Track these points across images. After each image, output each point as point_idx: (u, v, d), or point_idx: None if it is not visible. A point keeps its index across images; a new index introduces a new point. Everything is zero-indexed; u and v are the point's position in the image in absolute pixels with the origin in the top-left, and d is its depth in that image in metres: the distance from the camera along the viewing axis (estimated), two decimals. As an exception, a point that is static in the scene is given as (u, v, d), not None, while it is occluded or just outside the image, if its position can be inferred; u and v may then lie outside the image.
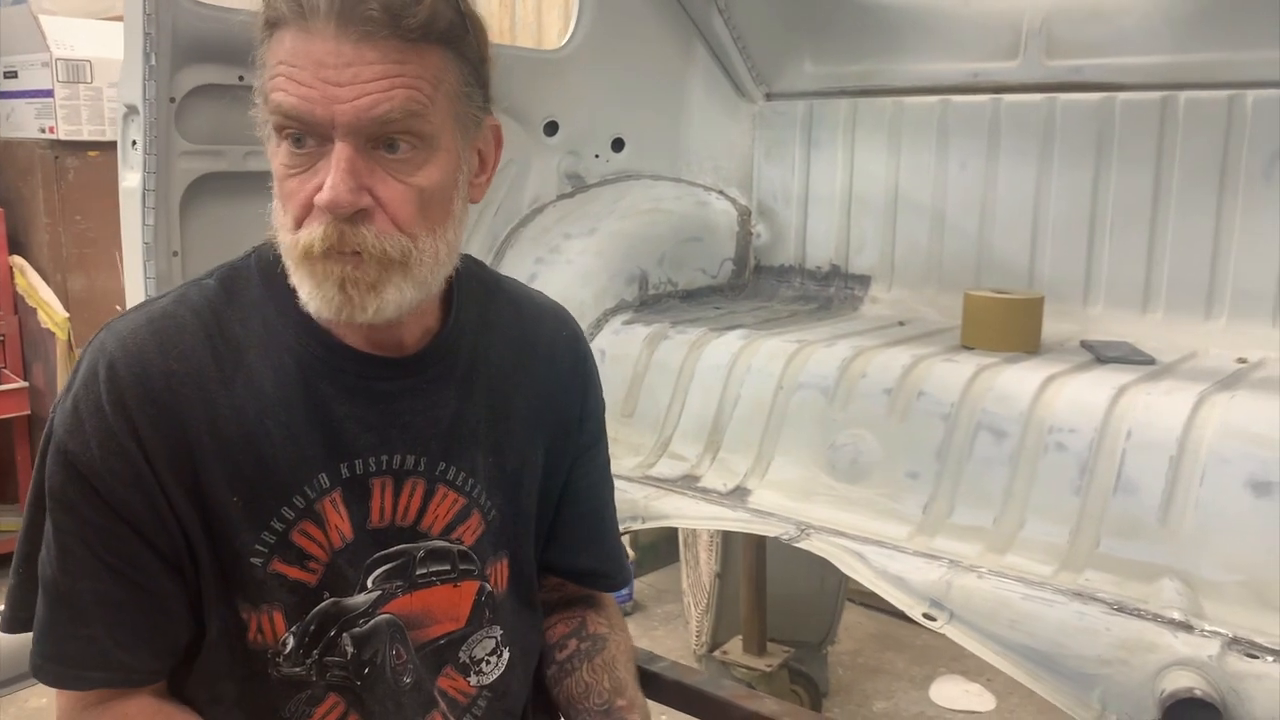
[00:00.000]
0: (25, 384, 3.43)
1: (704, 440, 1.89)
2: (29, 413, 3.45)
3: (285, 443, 1.00)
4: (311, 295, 0.95)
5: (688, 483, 1.82)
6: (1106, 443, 1.52)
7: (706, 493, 1.78)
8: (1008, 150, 2.15)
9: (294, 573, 1.01)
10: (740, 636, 2.80)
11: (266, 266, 1.05)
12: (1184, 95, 1.94)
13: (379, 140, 0.92)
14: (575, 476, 1.24)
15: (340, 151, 0.90)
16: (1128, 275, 2.04)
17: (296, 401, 1.01)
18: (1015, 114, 2.13)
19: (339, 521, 1.03)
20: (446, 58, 0.94)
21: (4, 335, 3.46)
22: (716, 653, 2.83)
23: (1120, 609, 1.35)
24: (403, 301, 0.97)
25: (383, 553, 1.06)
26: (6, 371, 3.47)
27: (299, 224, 0.94)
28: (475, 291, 1.13)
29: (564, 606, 1.29)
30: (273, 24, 0.92)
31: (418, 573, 1.08)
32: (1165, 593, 1.37)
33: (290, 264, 0.96)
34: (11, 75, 3.57)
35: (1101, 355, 1.80)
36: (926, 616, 1.41)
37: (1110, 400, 1.56)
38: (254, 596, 1.01)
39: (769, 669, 2.68)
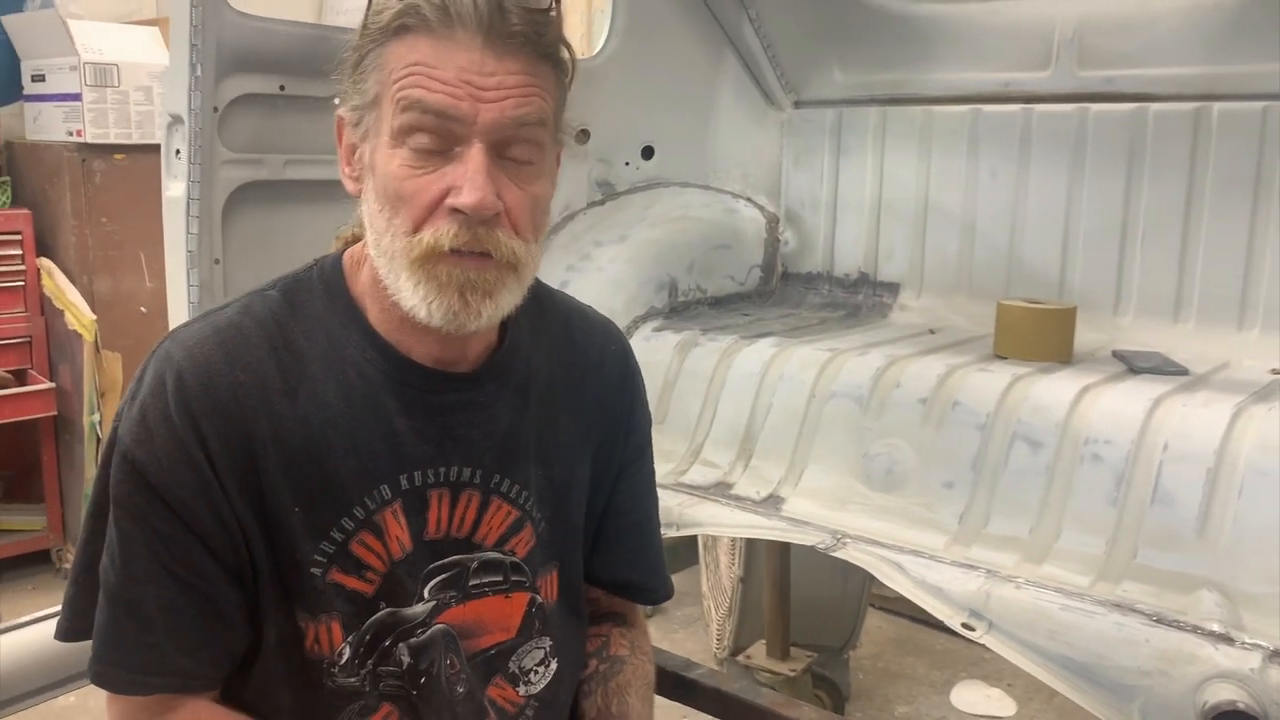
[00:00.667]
0: (52, 385, 3.45)
1: (736, 448, 1.90)
2: (55, 413, 3.47)
3: (347, 454, 1.02)
4: (427, 300, 0.96)
5: (720, 490, 1.84)
6: (1143, 454, 1.53)
7: (740, 500, 1.79)
8: (1039, 160, 2.15)
9: (352, 582, 1.03)
10: (763, 641, 2.80)
11: (329, 279, 1.07)
12: (1217, 106, 1.94)
13: (504, 146, 0.95)
14: (620, 489, 1.25)
15: (478, 154, 0.93)
16: (1159, 285, 2.04)
17: (360, 414, 1.03)
18: (1047, 124, 2.14)
19: (399, 532, 1.04)
20: (558, 77, 0.99)
21: (31, 337, 3.48)
22: (739, 657, 2.83)
23: (1159, 620, 1.36)
24: (507, 308, 1.00)
25: (438, 563, 1.07)
26: (33, 372, 3.49)
27: (419, 226, 0.95)
28: (528, 305, 1.14)
29: (593, 622, 1.30)
30: (398, 31, 0.94)
31: (471, 583, 1.09)
32: (1204, 604, 1.37)
33: (400, 267, 0.96)
34: (39, 79, 3.59)
35: (1134, 366, 1.81)
36: (966, 626, 1.42)
37: (1146, 412, 1.56)
38: (312, 606, 1.02)
39: (792, 674, 2.69)
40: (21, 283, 3.45)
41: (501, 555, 1.11)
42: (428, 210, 0.95)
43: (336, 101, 1.04)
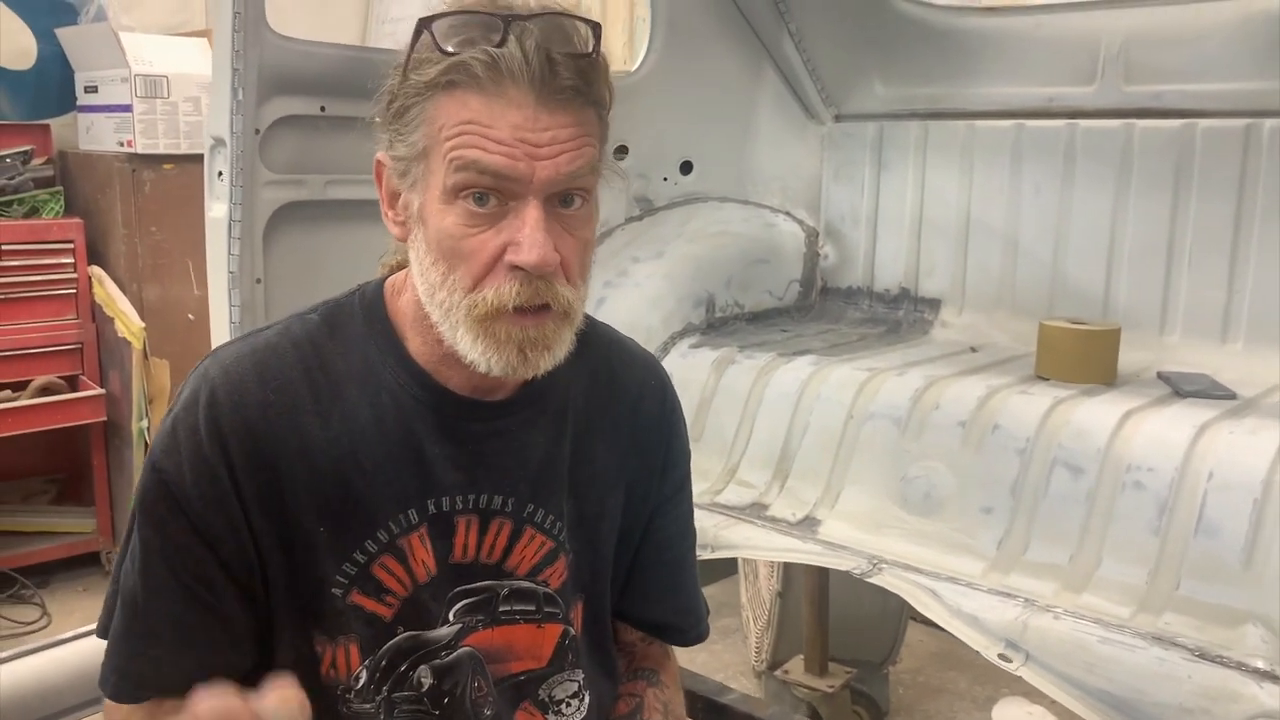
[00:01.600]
0: (102, 391, 3.51)
1: (772, 468, 1.89)
2: (105, 419, 3.53)
3: (376, 477, 1.02)
4: (486, 355, 0.96)
5: (756, 511, 1.83)
6: (1187, 483, 1.50)
7: (775, 522, 1.78)
8: (1083, 176, 2.12)
9: (370, 605, 1.03)
10: (801, 656, 2.79)
11: (369, 305, 1.08)
12: (1269, 123, 1.90)
13: (557, 197, 0.95)
14: (655, 526, 1.23)
15: (535, 210, 0.93)
16: (1207, 305, 2.00)
17: (391, 438, 1.03)
18: (1092, 140, 2.11)
19: (425, 556, 1.05)
20: (602, 118, 0.99)
21: (83, 343, 3.54)
22: (778, 672, 2.82)
23: (1202, 656, 1.33)
24: (562, 356, 1.00)
25: (466, 587, 1.07)
26: (84, 378, 3.55)
27: (478, 282, 0.95)
28: None
29: (627, 677, 1.27)
30: (446, 86, 0.93)
31: (500, 609, 1.09)
32: (1249, 639, 1.35)
33: (459, 322, 0.97)
34: (92, 90, 3.66)
35: (1180, 389, 1.77)
36: (1002, 658, 1.40)
37: (1191, 439, 1.53)
38: (331, 628, 1.03)
39: (831, 689, 2.67)
40: (73, 290, 3.51)
41: (535, 585, 1.11)
42: (486, 268, 0.95)
43: (376, 146, 1.04)
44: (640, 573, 1.23)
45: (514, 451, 1.08)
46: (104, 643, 1.06)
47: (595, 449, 1.15)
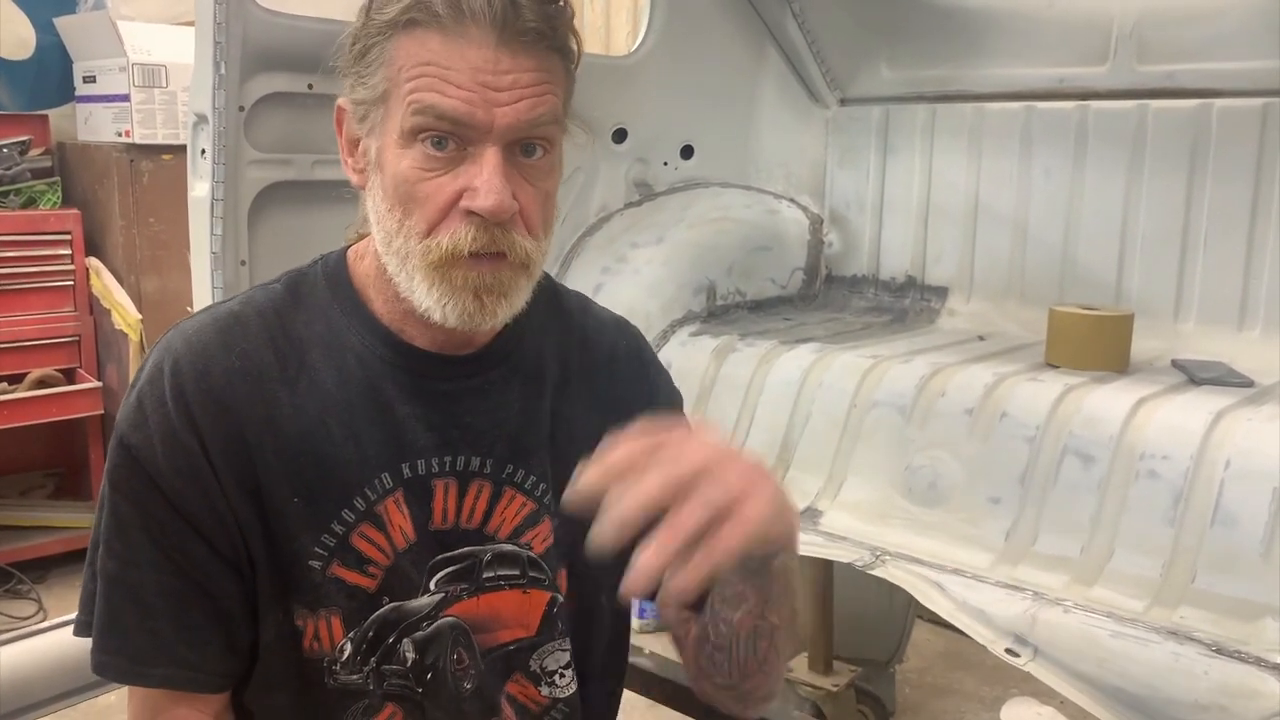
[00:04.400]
0: (99, 384, 3.48)
1: (773, 458, 1.84)
2: (102, 412, 3.50)
3: (346, 442, 1.00)
4: (441, 303, 0.95)
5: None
6: (1203, 471, 1.45)
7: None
8: (1095, 159, 2.06)
9: (353, 577, 1.00)
10: (806, 654, 2.74)
11: (331, 271, 1.06)
12: (1287, 103, 1.84)
13: (518, 145, 0.94)
14: None
15: (493, 156, 0.91)
16: (1222, 290, 1.94)
17: (358, 401, 1.01)
18: (1104, 121, 2.05)
19: (402, 522, 1.02)
20: (567, 69, 0.97)
21: (80, 336, 3.52)
22: (781, 670, 2.77)
23: (1219, 651, 1.28)
24: (519, 306, 0.99)
25: (447, 554, 1.04)
26: (81, 371, 3.53)
27: (433, 228, 0.94)
28: (540, 298, 1.10)
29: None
30: (407, 25, 0.92)
31: (484, 575, 1.06)
32: (1268, 633, 1.29)
33: (414, 269, 0.95)
34: (90, 80, 3.63)
35: (1195, 376, 1.71)
36: (1009, 653, 1.34)
37: (1207, 426, 1.48)
38: (311, 601, 1.00)
39: (835, 689, 2.61)
40: (71, 282, 3.49)
41: (518, 548, 1.07)
42: (442, 212, 0.93)
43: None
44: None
45: (489, 410, 1.06)
46: (55, 642, 1.02)
47: (575, 410, 1.12)
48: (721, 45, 2.33)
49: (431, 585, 1.03)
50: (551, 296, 1.17)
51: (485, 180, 0.91)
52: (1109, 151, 2.04)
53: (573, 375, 1.13)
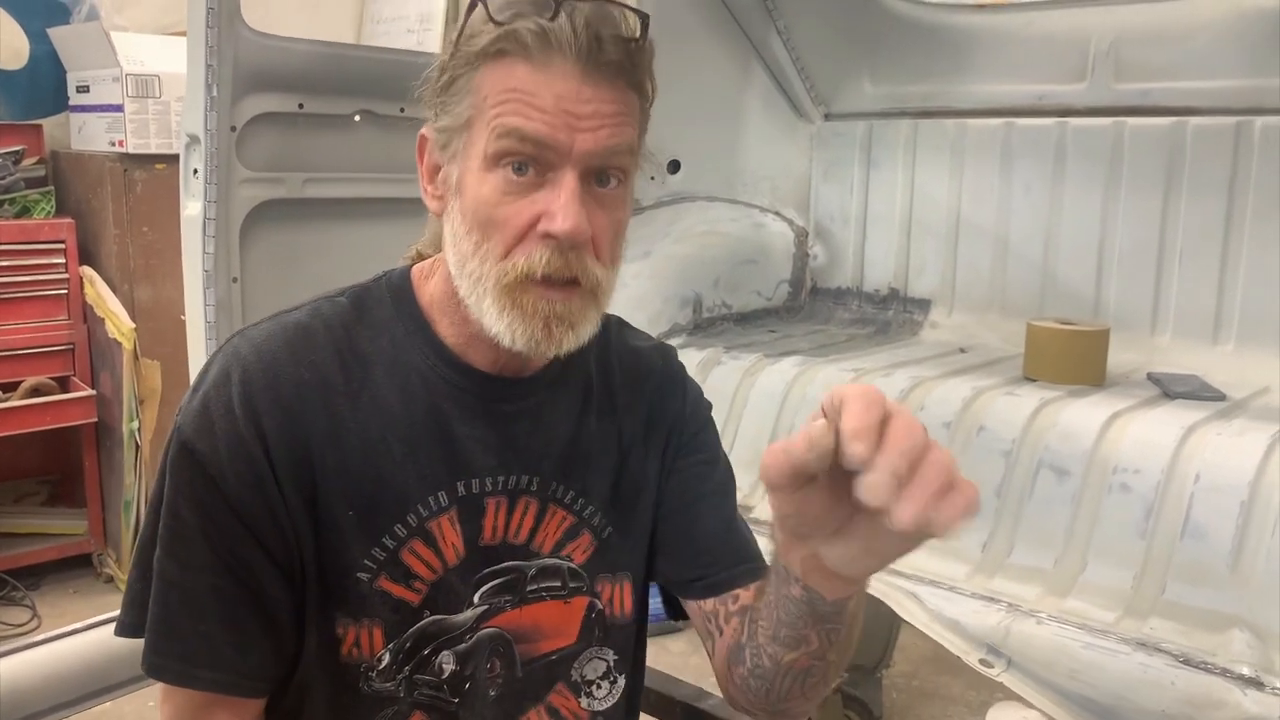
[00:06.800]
0: (93, 392, 3.49)
1: (757, 469, 1.86)
2: (96, 420, 3.51)
3: (405, 460, 1.02)
4: (511, 328, 0.97)
5: (740, 513, 1.80)
6: (1174, 485, 1.48)
7: (758, 524, 1.74)
8: (1074, 175, 2.10)
9: (398, 590, 1.02)
10: (793, 660, 2.76)
11: (396, 289, 1.08)
12: (1260, 121, 1.88)
13: (594, 173, 0.96)
14: (683, 468, 1.18)
15: (571, 181, 0.93)
16: (1197, 305, 1.98)
17: (420, 420, 1.03)
18: (1082, 138, 2.08)
19: (455, 539, 1.04)
20: (643, 106, 1.00)
21: (74, 344, 3.53)
22: (768, 675, 2.79)
23: (1186, 662, 1.31)
24: (586, 337, 1.00)
25: (493, 568, 1.06)
26: (75, 379, 3.54)
27: (509, 251, 0.96)
28: None
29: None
30: (496, 55, 0.95)
31: (529, 588, 1.08)
32: (1235, 645, 1.32)
33: (487, 291, 0.97)
34: (84, 90, 3.64)
35: (1169, 390, 1.75)
36: (983, 663, 1.38)
37: (1178, 440, 1.51)
38: (355, 611, 1.01)
39: (822, 694, 2.64)
40: (64, 291, 3.50)
41: (559, 561, 1.10)
42: (519, 236, 0.95)
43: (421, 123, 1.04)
44: (691, 528, 1.16)
45: (542, 430, 1.08)
46: (92, 641, 1.03)
47: (618, 426, 1.14)
48: (707, 62, 2.36)
49: (476, 599, 1.05)
50: (605, 317, 1.18)
51: (563, 204, 0.93)
52: (1087, 167, 2.08)
53: (615, 391, 1.16)
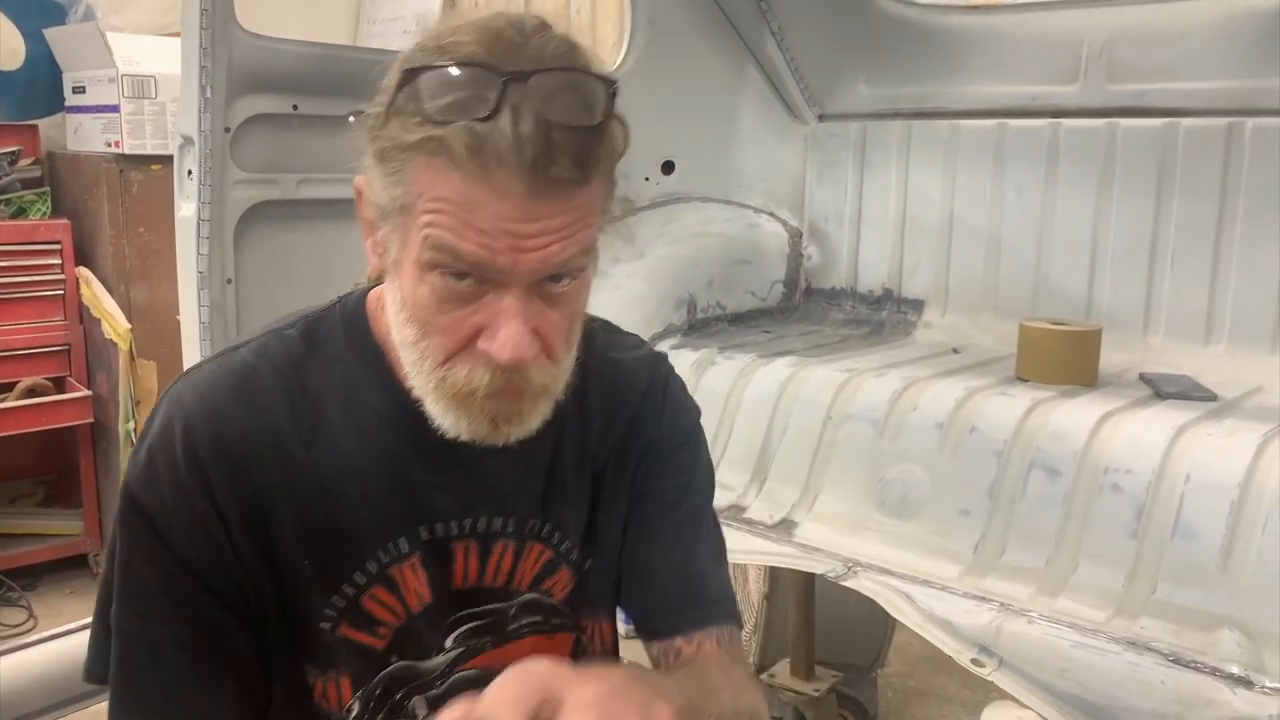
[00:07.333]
0: (89, 392, 3.50)
1: (751, 469, 1.87)
2: (92, 420, 3.52)
3: (361, 505, 0.96)
4: (455, 425, 0.91)
5: (734, 513, 1.81)
6: (1164, 485, 1.48)
7: (752, 524, 1.77)
8: (1066, 176, 2.10)
9: (362, 638, 0.98)
10: (788, 659, 2.77)
11: (350, 319, 1.01)
12: (1251, 122, 1.88)
13: (544, 282, 0.86)
14: (647, 495, 1.11)
15: (515, 304, 0.84)
16: (1190, 305, 1.98)
17: (375, 465, 0.96)
18: (1074, 139, 2.09)
19: (418, 586, 0.99)
20: (607, 179, 0.88)
21: (70, 345, 3.54)
22: (764, 675, 2.80)
23: (1176, 661, 1.32)
24: (537, 425, 0.93)
25: (469, 611, 1.01)
26: (71, 380, 3.54)
27: (449, 358, 0.88)
28: None
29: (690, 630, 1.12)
30: (428, 153, 0.82)
31: (510, 627, 1.03)
32: (1224, 644, 1.33)
33: (427, 390, 0.90)
34: (80, 90, 3.65)
35: (1161, 390, 1.75)
36: (974, 663, 1.38)
37: (1169, 441, 1.51)
38: (321, 661, 0.98)
39: (817, 694, 2.65)
40: (61, 291, 3.50)
41: (539, 595, 1.05)
42: (459, 345, 0.87)
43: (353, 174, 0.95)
44: (646, 563, 1.11)
45: (514, 469, 1.01)
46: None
47: (595, 448, 1.08)
48: (702, 63, 2.36)
49: (449, 643, 1.01)
50: (586, 336, 1.07)
51: (504, 332, 0.84)
52: (1079, 168, 2.08)
53: (590, 415, 1.08)
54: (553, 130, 0.79)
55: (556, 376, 0.91)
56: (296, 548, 0.95)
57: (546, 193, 0.80)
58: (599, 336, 1.11)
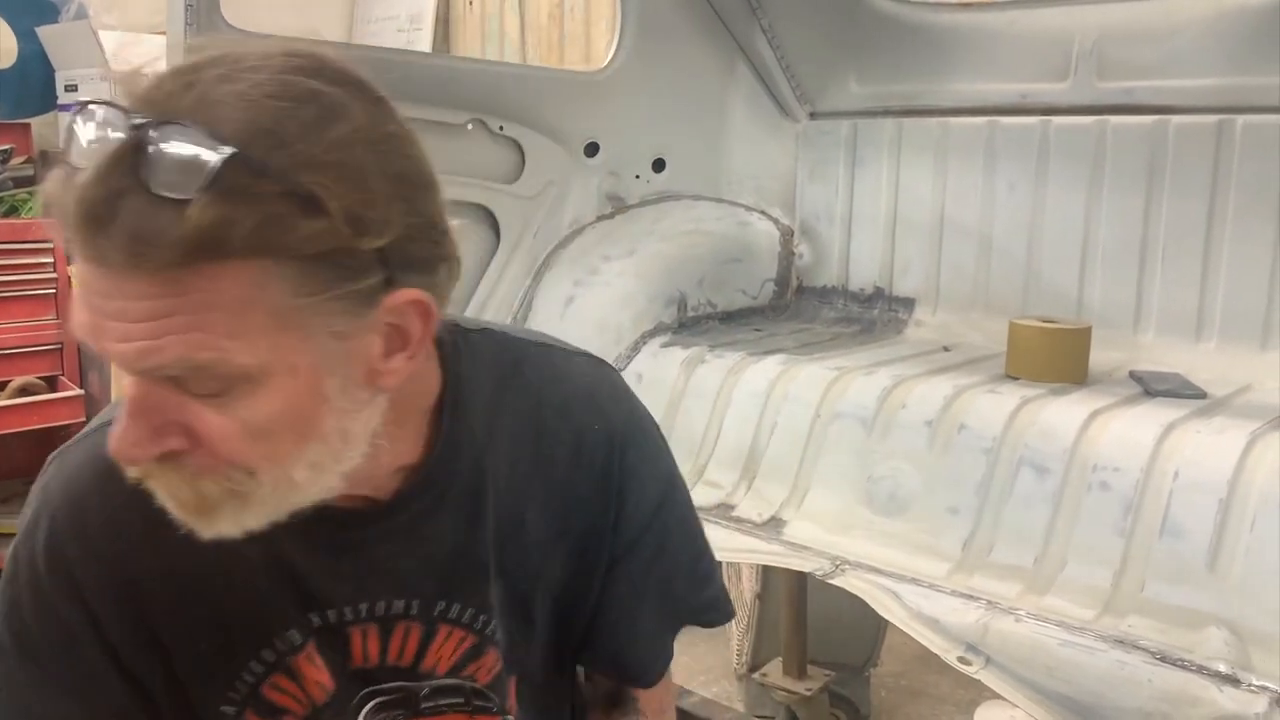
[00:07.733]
0: (81, 391, 3.50)
1: (740, 468, 1.87)
2: (84, 419, 3.51)
3: (247, 592, 0.89)
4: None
5: (722, 511, 1.81)
6: (1153, 483, 1.48)
7: (741, 523, 1.76)
8: (1057, 173, 2.10)
9: None
10: (780, 658, 2.76)
11: None
12: (1241, 119, 1.88)
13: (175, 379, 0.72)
14: (609, 582, 1.06)
15: (130, 390, 0.72)
16: (1180, 303, 1.98)
17: (255, 556, 0.86)
18: (1065, 136, 2.09)
19: (318, 675, 0.93)
20: (261, 268, 0.67)
21: (62, 344, 3.53)
22: (756, 674, 2.79)
23: (1164, 659, 1.31)
24: (250, 526, 0.79)
25: (376, 687, 0.95)
26: (63, 379, 3.54)
27: None
28: (480, 391, 0.95)
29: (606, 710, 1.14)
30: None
31: (424, 705, 0.97)
32: (1212, 642, 1.32)
33: None
34: (72, 89, 3.64)
35: (1150, 388, 1.75)
36: (961, 661, 1.38)
37: (1157, 438, 1.51)
38: None
39: (809, 693, 2.64)
40: (53, 290, 3.50)
41: (460, 681, 0.98)
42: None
43: None
44: (595, 629, 1.08)
45: (414, 549, 0.92)
46: None
47: (525, 518, 0.98)
48: (692, 61, 2.36)
49: (361, 717, 0.95)
50: (510, 368, 1.00)
51: (119, 420, 0.72)
52: (1070, 166, 2.08)
53: (524, 477, 0.98)
54: (121, 197, 0.63)
55: (243, 483, 0.76)
56: (186, 637, 0.89)
57: (108, 267, 0.65)
58: (552, 403, 1.00)
